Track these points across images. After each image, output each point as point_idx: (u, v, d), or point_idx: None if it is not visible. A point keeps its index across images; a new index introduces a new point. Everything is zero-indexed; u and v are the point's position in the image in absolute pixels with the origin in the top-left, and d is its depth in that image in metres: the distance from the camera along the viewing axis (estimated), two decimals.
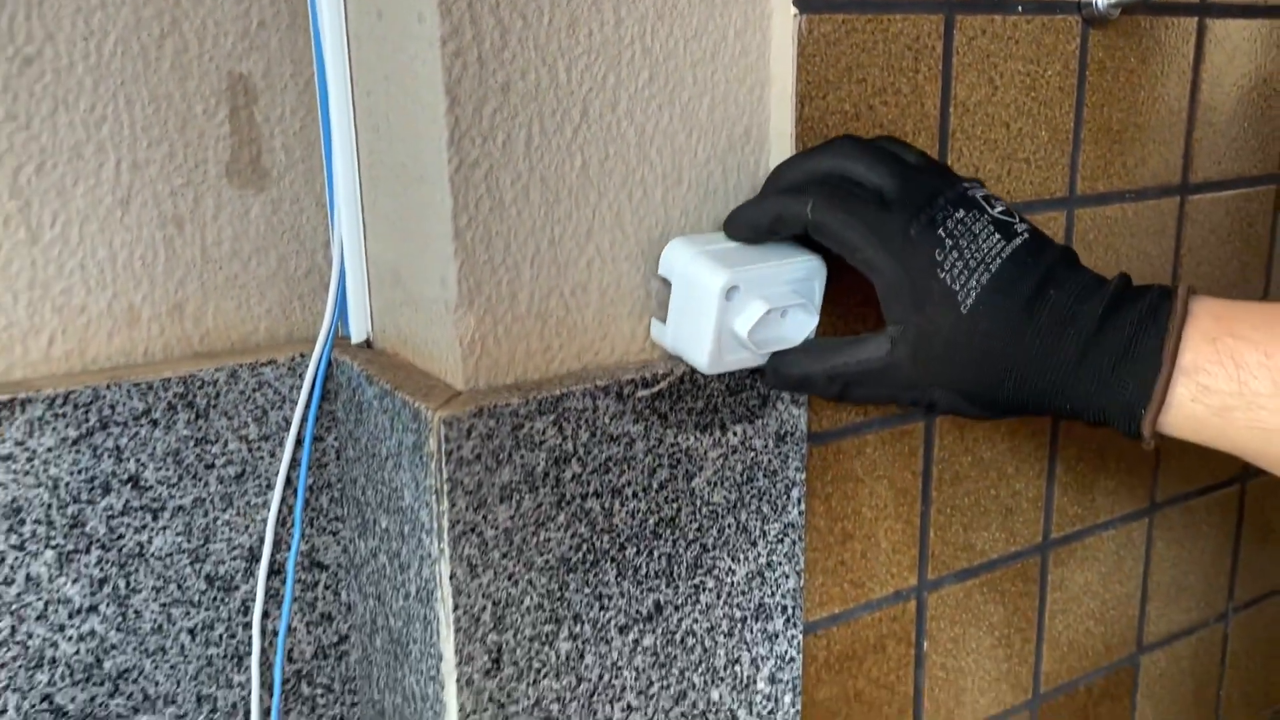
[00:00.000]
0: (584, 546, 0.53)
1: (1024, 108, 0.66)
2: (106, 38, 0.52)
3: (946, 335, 0.50)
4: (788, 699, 0.62)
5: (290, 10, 0.56)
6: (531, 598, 0.52)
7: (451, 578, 0.49)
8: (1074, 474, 0.77)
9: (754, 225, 0.54)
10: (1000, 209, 0.52)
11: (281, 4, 0.56)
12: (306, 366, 0.57)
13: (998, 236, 0.50)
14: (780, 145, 0.58)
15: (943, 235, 0.50)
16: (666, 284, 0.55)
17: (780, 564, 0.60)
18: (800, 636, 0.62)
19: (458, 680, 0.51)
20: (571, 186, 0.52)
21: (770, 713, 0.62)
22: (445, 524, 0.49)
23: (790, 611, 0.61)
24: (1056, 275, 0.50)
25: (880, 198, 0.51)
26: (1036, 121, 0.67)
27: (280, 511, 0.58)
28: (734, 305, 0.52)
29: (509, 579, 0.51)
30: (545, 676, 0.53)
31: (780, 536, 0.60)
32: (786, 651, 0.62)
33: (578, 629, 0.54)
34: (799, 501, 0.60)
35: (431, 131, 0.49)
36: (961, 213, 0.51)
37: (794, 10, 0.55)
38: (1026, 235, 0.51)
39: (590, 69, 0.51)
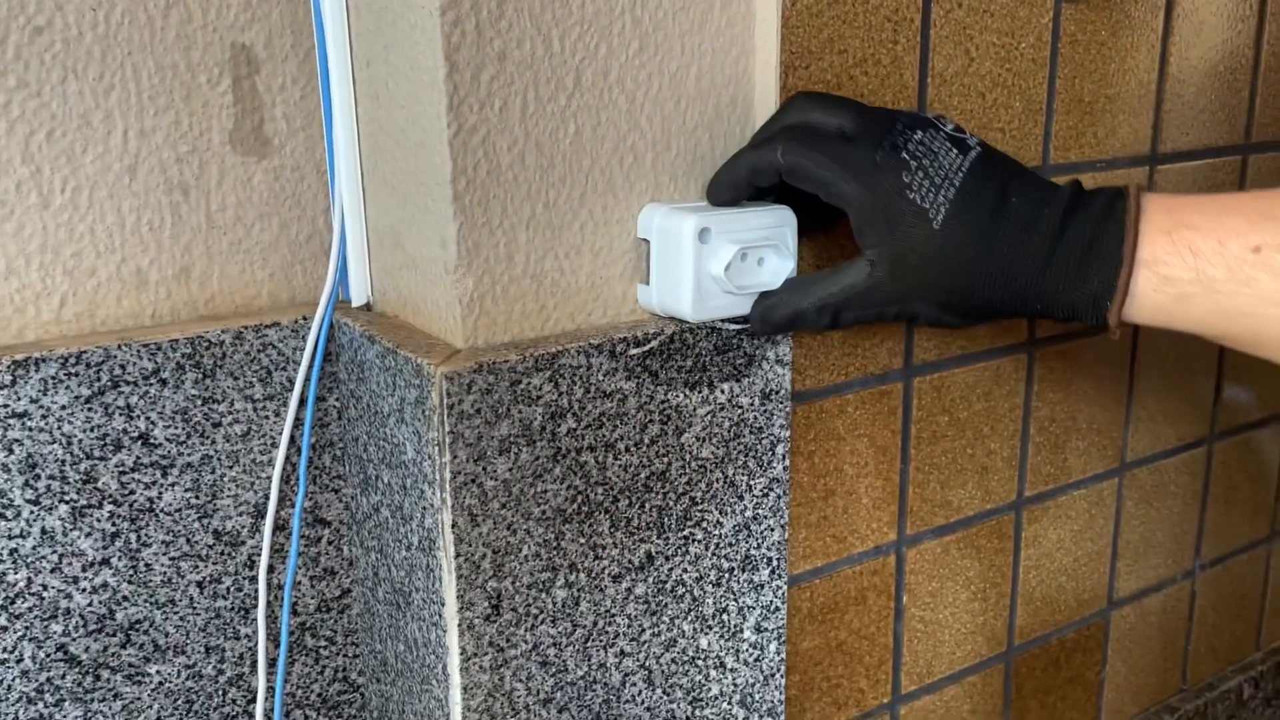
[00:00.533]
0: (579, 498, 0.56)
1: (999, 79, 0.69)
2: (114, 8, 0.54)
3: (922, 251, 0.53)
4: (773, 647, 0.65)
5: None
6: (529, 547, 0.54)
7: (453, 526, 0.52)
8: (1047, 434, 0.80)
9: (732, 183, 0.57)
10: (951, 126, 0.55)
11: None
12: (309, 329, 0.59)
13: (955, 152, 0.54)
14: (765, 114, 0.60)
15: (906, 158, 0.53)
16: (647, 245, 0.57)
17: (766, 517, 0.63)
18: (785, 588, 0.65)
19: (459, 625, 0.53)
20: (565, 152, 0.54)
21: (756, 660, 0.64)
22: (447, 475, 0.51)
23: (775, 563, 0.64)
24: (1014, 183, 0.54)
25: (843, 135, 0.54)
26: (1011, 92, 0.70)
27: (284, 469, 0.60)
28: (709, 248, 0.55)
29: (508, 528, 0.53)
30: (542, 622, 0.56)
31: (766, 491, 0.62)
32: (772, 602, 0.64)
33: (573, 577, 0.56)
34: (784, 458, 0.63)
35: (431, 97, 0.51)
36: (919, 134, 0.54)
37: None
38: (979, 148, 0.55)
39: (583, 39, 0.53)
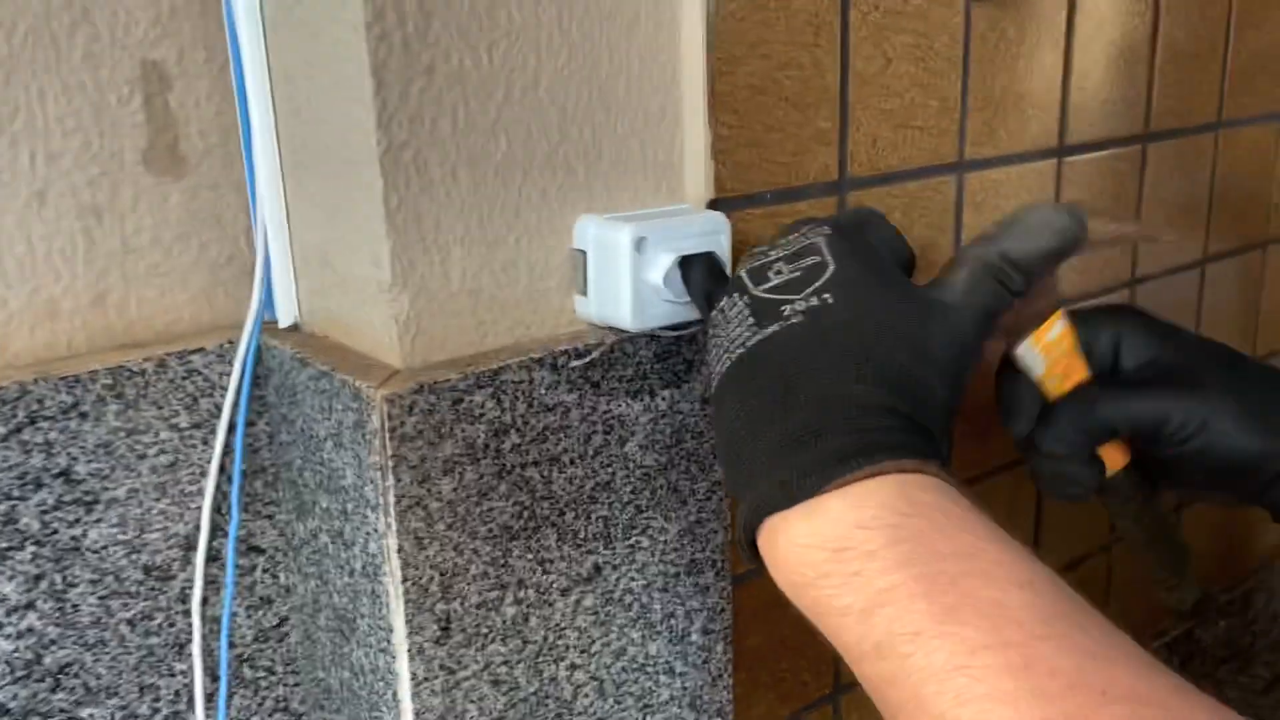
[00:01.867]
0: (525, 514, 0.55)
1: (916, 78, 0.70)
2: (15, 29, 0.51)
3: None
4: (719, 648, 0.66)
5: None
6: (477, 566, 0.54)
7: (399, 551, 0.51)
8: (972, 423, 0.82)
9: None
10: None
11: None
12: (235, 353, 0.58)
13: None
14: (694, 120, 0.60)
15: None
16: (583, 255, 0.57)
17: (709, 520, 0.63)
18: (729, 588, 0.65)
19: (409, 650, 0.52)
20: (498, 165, 0.54)
21: (704, 662, 0.65)
22: (391, 499, 0.50)
23: (719, 565, 0.64)
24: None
25: None
26: (927, 91, 0.71)
27: (215, 498, 0.58)
28: (646, 258, 0.55)
29: (454, 549, 0.53)
30: (493, 641, 0.55)
31: (708, 494, 0.63)
32: (718, 603, 0.65)
33: (522, 594, 0.56)
34: None
35: (359, 114, 0.50)
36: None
37: None
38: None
39: (511, 50, 0.53)
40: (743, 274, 0.45)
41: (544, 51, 0.54)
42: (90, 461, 0.54)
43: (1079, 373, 0.59)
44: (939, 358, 0.44)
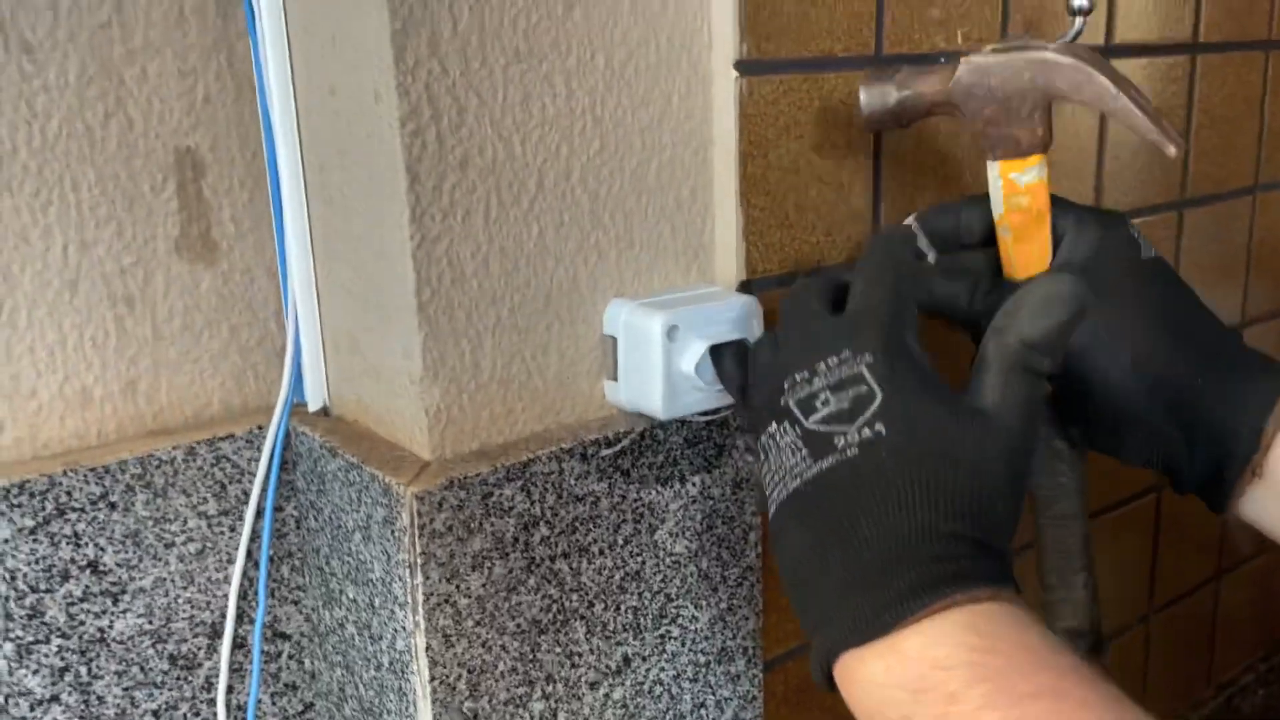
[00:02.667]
0: (554, 607, 0.54)
1: (950, 154, 0.69)
2: (50, 120, 0.51)
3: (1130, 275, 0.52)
4: None
5: (236, 84, 0.56)
6: (505, 662, 0.53)
7: (428, 650, 0.50)
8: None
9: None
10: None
11: (227, 78, 0.56)
12: (264, 438, 0.57)
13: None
14: (725, 203, 0.60)
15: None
16: (613, 341, 0.56)
17: (740, 607, 0.62)
18: (761, 675, 0.64)
19: None
20: (530, 254, 0.53)
21: None
22: (420, 597, 0.49)
23: (751, 652, 0.63)
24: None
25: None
26: (961, 166, 0.70)
27: (242, 585, 0.58)
28: (677, 346, 0.54)
29: (483, 646, 0.52)
30: None
31: (740, 580, 0.62)
32: (749, 691, 0.63)
33: (550, 689, 0.55)
34: (756, 544, 0.62)
35: (391, 208, 0.50)
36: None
37: (734, 74, 0.57)
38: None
39: (544, 141, 0.53)
40: (791, 404, 0.44)
41: (577, 140, 0.54)
42: (118, 552, 0.54)
43: (1041, 245, 0.54)
44: (998, 473, 0.42)
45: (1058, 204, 0.57)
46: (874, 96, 0.57)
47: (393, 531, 0.50)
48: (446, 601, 0.50)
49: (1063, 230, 0.56)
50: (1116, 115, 0.50)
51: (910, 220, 0.59)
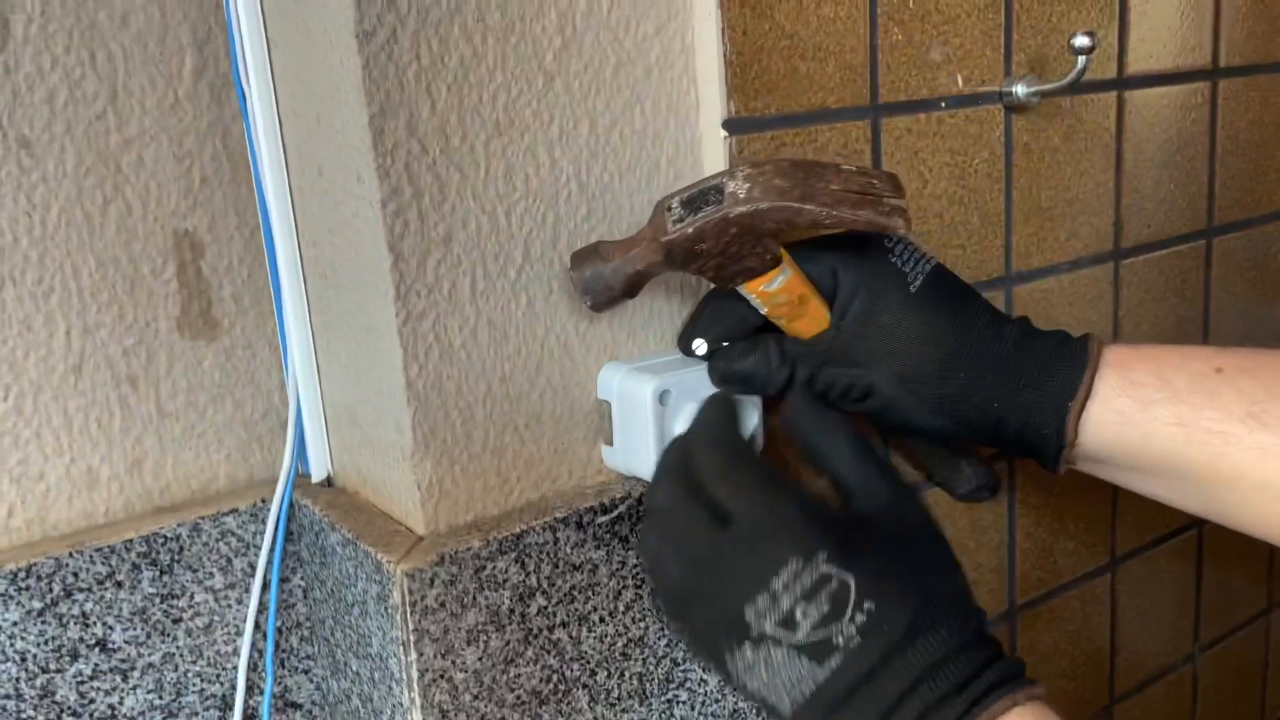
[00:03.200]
0: (554, 677, 0.54)
1: (955, 196, 0.69)
2: (49, 211, 0.53)
3: (896, 310, 0.53)
4: None
5: (232, 165, 0.57)
6: None
7: None
8: (1033, 540, 0.79)
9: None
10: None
11: (223, 159, 0.57)
12: (268, 511, 0.58)
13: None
14: None
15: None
16: (609, 405, 0.56)
17: None
18: None
19: None
20: (519, 324, 0.53)
21: None
22: (414, 674, 0.49)
23: (762, 714, 0.62)
24: (979, 300, 0.52)
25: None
26: (968, 208, 0.69)
27: (251, 657, 0.58)
28: (670, 410, 0.54)
29: (481, 719, 0.52)
30: None
31: None
32: None
33: None
34: None
35: (377, 285, 0.50)
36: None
37: (724, 134, 0.57)
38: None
39: (530, 211, 0.53)
40: (768, 629, 0.44)
41: (563, 208, 0.54)
42: (126, 629, 0.55)
43: (814, 313, 0.54)
44: (943, 548, 0.47)
45: (815, 258, 0.55)
46: (590, 280, 0.51)
47: (386, 608, 0.50)
48: (442, 677, 0.50)
49: (830, 288, 0.55)
50: (838, 227, 0.49)
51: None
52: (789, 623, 0.44)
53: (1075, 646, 0.84)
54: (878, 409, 0.54)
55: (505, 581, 0.52)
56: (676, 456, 0.48)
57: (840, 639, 0.43)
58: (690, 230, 0.49)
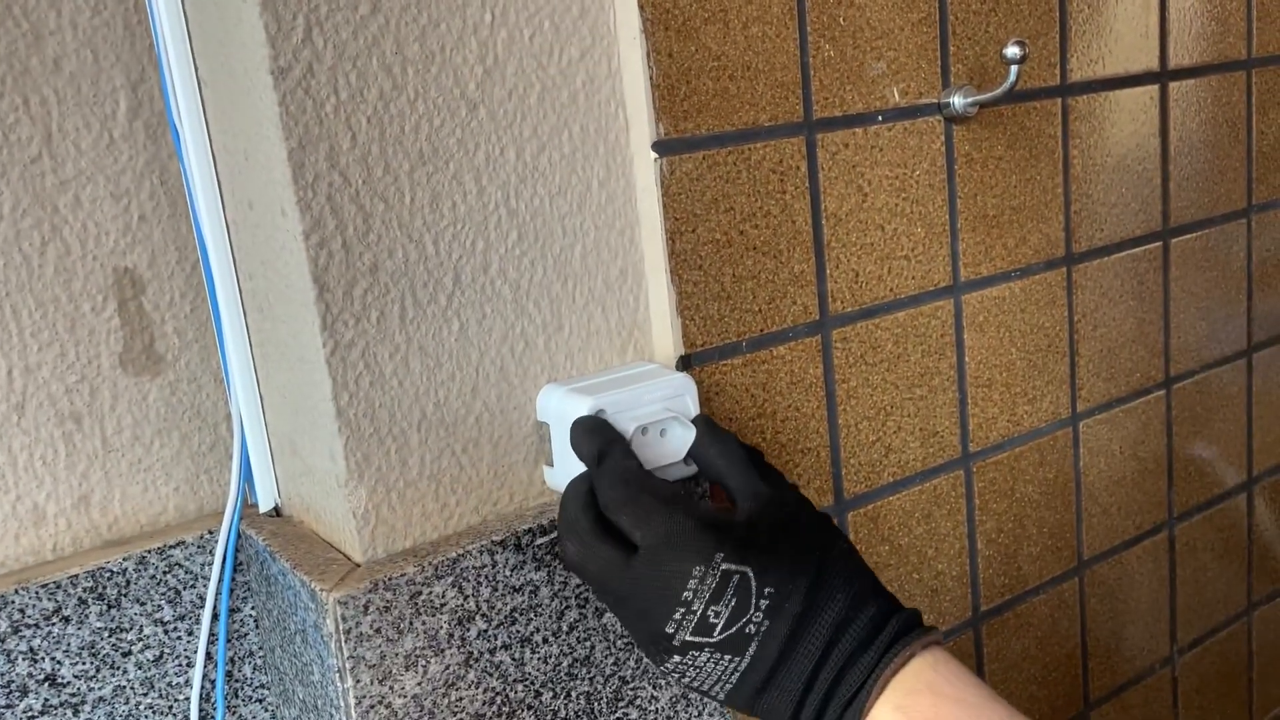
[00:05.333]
0: (498, 699, 0.54)
1: (897, 209, 0.69)
2: None
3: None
4: None
5: (170, 201, 0.58)
6: None
7: None
8: (995, 546, 0.79)
9: None
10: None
11: (161, 196, 0.58)
12: (215, 543, 0.58)
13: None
14: (656, 279, 0.60)
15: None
16: (548, 427, 0.56)
17: None
18: None
19: None
20: (451, 350, 0.54)
21: None
22: (351, 701, 0.50)
23: None
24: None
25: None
26: (911, 220, 0.70)
27: (203, 688, 0.59)
28: None
29: None
30: None
31: None
32: None
33: None
34: None
35: (305, 317, 0.51)
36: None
37: (654, 155, 0.58)
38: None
39: (458, 238, 0.53)
40: (688, 639, 0.47)
41: (493, 233, 0.55)
42: (75, 664, 0.55)
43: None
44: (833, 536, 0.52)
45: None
46: None
47: (322, 635, 0.50)
48: (380, 703, 0.51)
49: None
50: None
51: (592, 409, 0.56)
52: (704, 628, 0.47)
53: (1045, 652, 0.84)
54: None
55: (443, 606, 0.52)
56: (578, 499, 0.51)
57: (752, 627, 0.47)
58: None
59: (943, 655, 0.49)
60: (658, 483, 0.50)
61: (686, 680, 0.49)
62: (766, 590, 0.47)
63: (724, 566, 0.47)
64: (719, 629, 0.47)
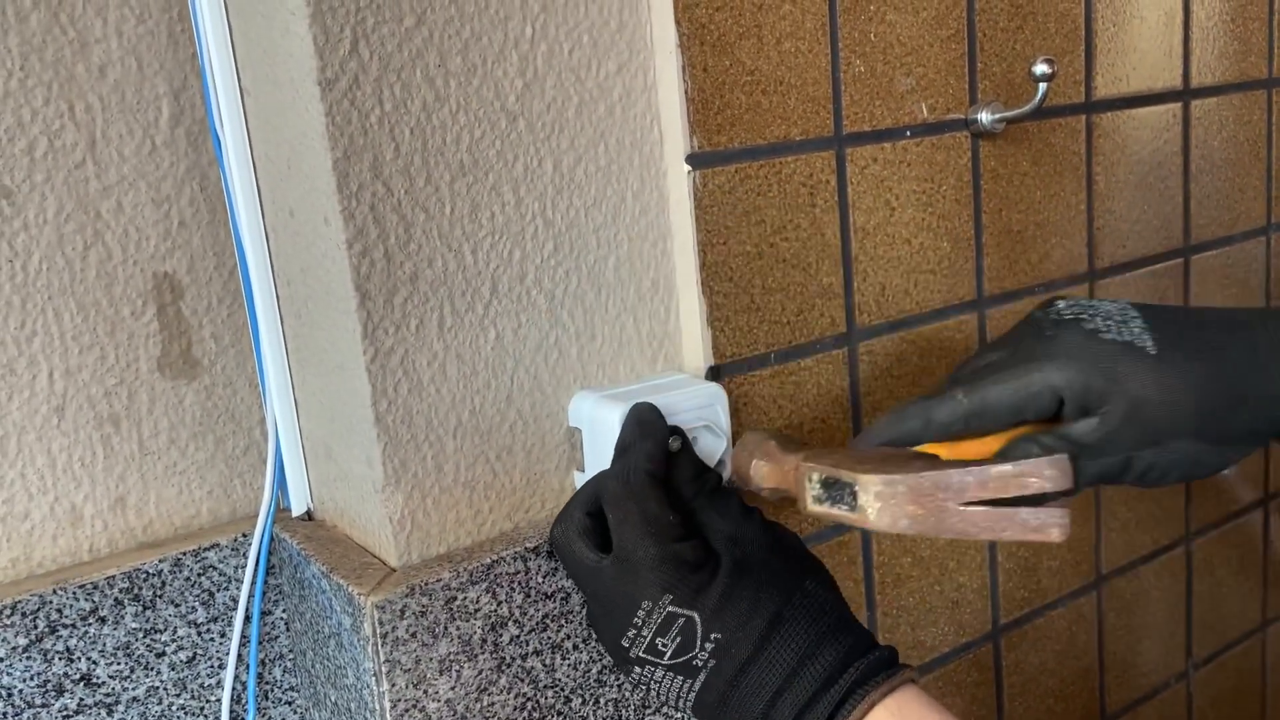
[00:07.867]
0: (529, 705, 0.55)
1: (924, 223, 0.70)
2: (31, 257, 0.55)
3: (1152, 381, 0.52)
4: None
5: (209, 207, 0.59)
6: None
7: None
8: (1016, 559, 0.79)
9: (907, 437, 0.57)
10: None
11: (200, 203, 0.59)
12: (249, 545, 0.59)
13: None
14: (688, 292, 0.60)
15: (1072, 317, 0.54)
16: (579, 433, 0.57)
17: None
18: None
19: None
20: (488, 358, 0.55)
21: None
22: (387, 704, 0.50)
23: None
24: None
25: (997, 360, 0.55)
26: (937, 234, 0.71)
27: (234, 689, 0.59)
28: None
29: None
30: None
31: None
32: None
33: None
34: None
35: (345, 324, 0.52)
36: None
37: (687, 168, 0.59)
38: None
39: (496, 247, 0.54)
40: (641, 654, 0.50)
41: (529, 244, 0.55)
42: (110, 664, 0.56)
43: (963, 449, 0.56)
44: (797, 571, 0.53)
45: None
46: (739, 467, 0.58)
47: (359, 639, 0.51)
48: (415, 707, 0.51)
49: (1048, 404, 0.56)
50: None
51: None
52: (654, 651, 0.50)
53: (1063, 666, 0.84)
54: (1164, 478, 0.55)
55: (477, 611, 0.53)
56: (583, 492, 0.53)
57: (699, 661, 0.49)
58: (827, 516, 0.53)
59: (911, 695, 0.49)
60: (651, 497, 0.51)
61: (652, 693, 0.51)
62: (713, 635, 0.49)
63: (669, 609, 0.49)
64: (668, 655, 0.49)
